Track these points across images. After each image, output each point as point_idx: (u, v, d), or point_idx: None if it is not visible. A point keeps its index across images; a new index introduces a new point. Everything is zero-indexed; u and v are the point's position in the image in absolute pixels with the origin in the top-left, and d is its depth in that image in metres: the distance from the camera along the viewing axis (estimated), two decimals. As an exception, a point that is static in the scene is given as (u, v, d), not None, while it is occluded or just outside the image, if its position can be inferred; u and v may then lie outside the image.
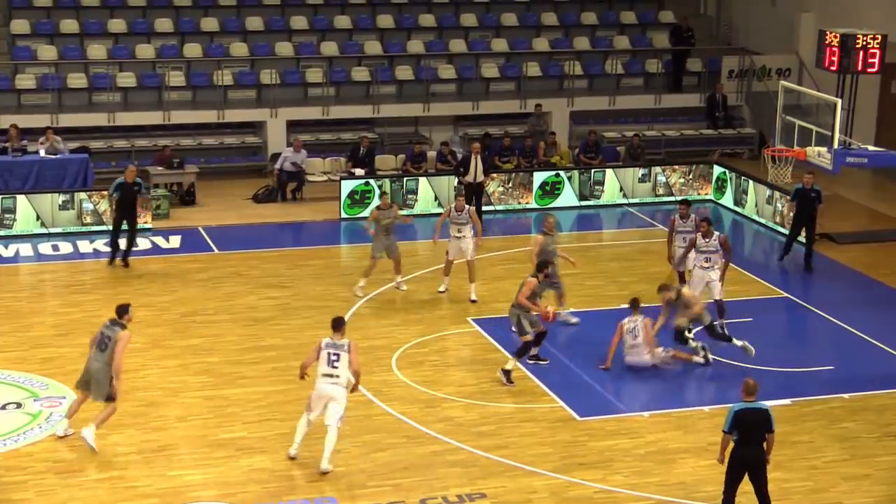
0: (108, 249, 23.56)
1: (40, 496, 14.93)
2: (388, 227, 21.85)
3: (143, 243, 24.67)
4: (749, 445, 13.91)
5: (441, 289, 21.85)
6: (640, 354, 18.54)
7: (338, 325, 15.78)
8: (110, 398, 15.91)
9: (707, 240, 19.89)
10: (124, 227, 23.19)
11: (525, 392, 18.12)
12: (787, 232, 24.72)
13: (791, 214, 24.05)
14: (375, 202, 22.43)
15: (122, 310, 16.14)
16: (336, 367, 15.53)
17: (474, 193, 26.27)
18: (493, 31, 33.28)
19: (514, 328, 18.69)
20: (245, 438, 16.49)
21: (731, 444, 13.97)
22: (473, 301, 21.49)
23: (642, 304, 19.01)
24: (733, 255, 21.18)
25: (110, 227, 23.49)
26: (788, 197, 24.21)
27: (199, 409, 17.33)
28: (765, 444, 13.96)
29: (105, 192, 25.01)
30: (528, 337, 18.39)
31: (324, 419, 15.57)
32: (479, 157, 26.15)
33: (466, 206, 21.84)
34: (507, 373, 18.29)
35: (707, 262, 19.82)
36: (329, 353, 15.57)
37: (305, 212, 27.25)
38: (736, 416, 13.86)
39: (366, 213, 25.94)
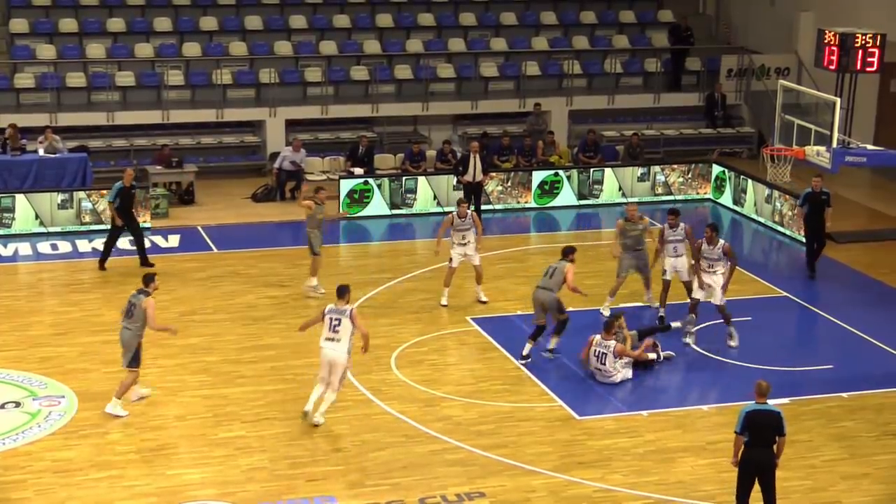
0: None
1: (39, 495, 14.93)
2: (321, 222, 21.78)
3: (158, 242, 24.66)
4: (758, 447, 13.87)
5: (444, 302, 21.43)
6: (606, 376, 18.34)
7: (342, 292, 16.65)
8: (133, 363, 16.78)
9: (711, 247, 19.83)
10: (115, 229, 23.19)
11: (524, 391, 18.12)
12: (787, 232, 24.71)
13: (801, 220, 23.89)
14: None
15: (149, 278, 17.03)
16: (337, 332, 16.45)
17: (473, 193, 26.29)
18: (492, 30, 33.28)
19: (547, 312, 19.05)
20: (244, 437, 16.48)
21: (742, 447, 13.95)
22: (483, 302, 21.47)
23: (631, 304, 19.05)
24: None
25: (110, 230, 23.35)
26: (797, 202, 24.08)
27: (197, 408, 17.33)
28: (775, 448, 13.94)
29: (104, 192, 25.00)
30: (566, 316, 19.00)
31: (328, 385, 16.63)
32: (477, 156, 26.16)
33: (469, 212, 21.64)
34: (551, 351, 19.02)
35: (710, 267, 19.78)
36: (331, 319, 16.50)
37: (304, 211, 27.18)
38: (747, 418, 13.83)
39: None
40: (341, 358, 16.51)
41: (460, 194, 26.66)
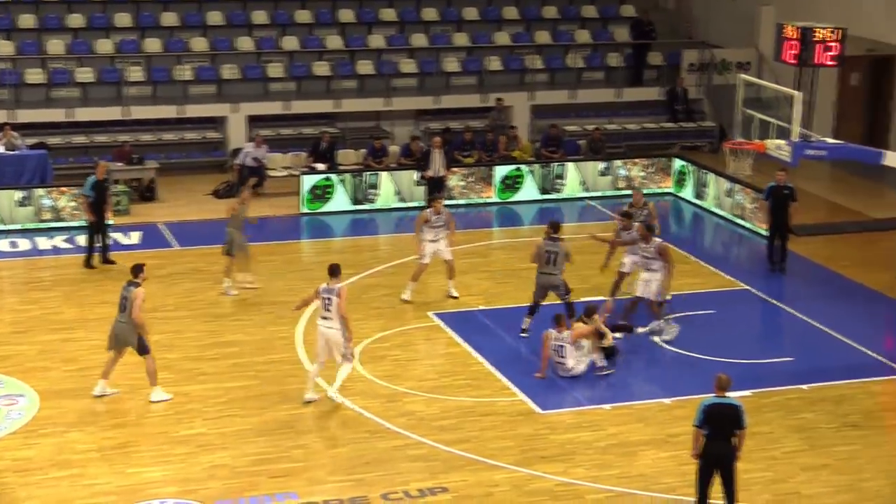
0: (70, 246, 23.35)
1: (-2, 495, 14.85)
2: (243, 223, 21.73)
3: (117, 238, 24.53)
4: (718, 440, 13.92)
5: (406, 297, 21.38)
6: (566, 369, 18.33)
7: (334, 271, 17.26)
8: (143, 350, 17.03)
9: (646, 244, 19.97)
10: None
11: (486, 386, 18.14)
12: (748, 225, 24.81)
13: (763, 214, 24.05)
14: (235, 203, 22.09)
15: (137, 269, 17.29)
16: (329, 311, 17.02)
17: (436, 188, 26.29)
18: (454, 25, 33.26)
19: (558, 292, 19.63)
20: (205, 435, 16.42)
21: (702, 440, 14.01)
22: (454, 297, 21.48)
23: (599, 297, 19.08)
24: (673, 260, 21.21)
25: (86, 226, 23.17)
26: (760, 195, 24.26)
27: (159, 406, 17.25)
28: (735, 440, 14.00)
29: (64, 189, 24.87)
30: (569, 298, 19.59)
31: (335, 359, 17.14)
32: (440, 151, 26.14)
33: (443, 209, 21.59)
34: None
35: (647, 266, 19.91)
36: (324, 298, 17.08)
37: (266, 207, 27.13)
38: (707, 411, 13.88)
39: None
40: (336, 335, 16.99)
41: (423, 190, 26.73)
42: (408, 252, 24.09)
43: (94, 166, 27.07)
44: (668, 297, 20.52)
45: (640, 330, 19.87)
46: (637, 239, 20.20)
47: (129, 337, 17.04)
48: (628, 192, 28.14)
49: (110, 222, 24.12)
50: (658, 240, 20.06)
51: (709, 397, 14.05)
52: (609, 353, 18.71)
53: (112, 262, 22.94)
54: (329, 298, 17.01)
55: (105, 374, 17.37)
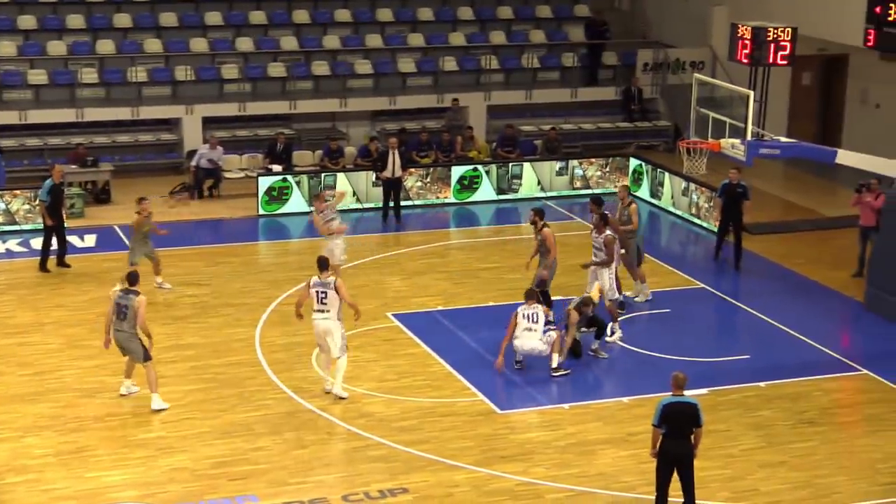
0: (24, 250, 23.17)
1: (-45, 501, 14.71)
2: (147, 233, 21.67)
3: (77, 242, 24.37)
4: (676, 439, 13.99)
5: None
6: (534, 340, 18.33)
7: (324, 264, 17.42)
8: (145, 357, 16.99)
9: (597, 235, 20.11)
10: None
11: (446, 386, 18.15)
12: (704, 224, 24.96)
13: (717, 211, 24.23)
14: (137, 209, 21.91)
15: (135, 278, 17.13)
16: (325, 304, 17.20)
17: (392, 189, 26.28)
18: (409, 25, 33.25)
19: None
20: (164, 438, 16.35)
21: (660, 439, 14.08)
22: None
23: (555, 298, 19.13)
24: (633, 253, 21.40)
25: (44, 230, 22.97)
26: (714, 193, 24.44)
27: (116, 409, 17.15)
28: (692, 438, 14.08)
29: (17, 192, 24.68)
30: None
31: (330, 353, 17.43)
32: (396, 152, 26.15)
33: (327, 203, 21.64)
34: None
35: (595, 256, 20.04)
36: (318, 292, 17.21)
37: (223, 209, 27.05)
38: (664, 410, 13.96)
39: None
40: (333, 325, 17.26)
41: (380, 190, 26.70)
42: (364, 253, 24.10)
43: (48, 169, 26.91)
44: (619, 296, 20.46)
45: (608, 339, 19.73)
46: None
47: (130, 344, 16.98)
48: (585, 191, 28.34)
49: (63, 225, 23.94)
50: (608, 232, 20.12)
51: (666, 396, 14.13)
52: (575, 349, 18.84)
53: (67, 266, 22.77)
54: (325, 292, 17.18)
55: (127, 373, 17.45)
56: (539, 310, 18.45)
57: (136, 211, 21.77)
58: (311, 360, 18.84)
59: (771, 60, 24.40)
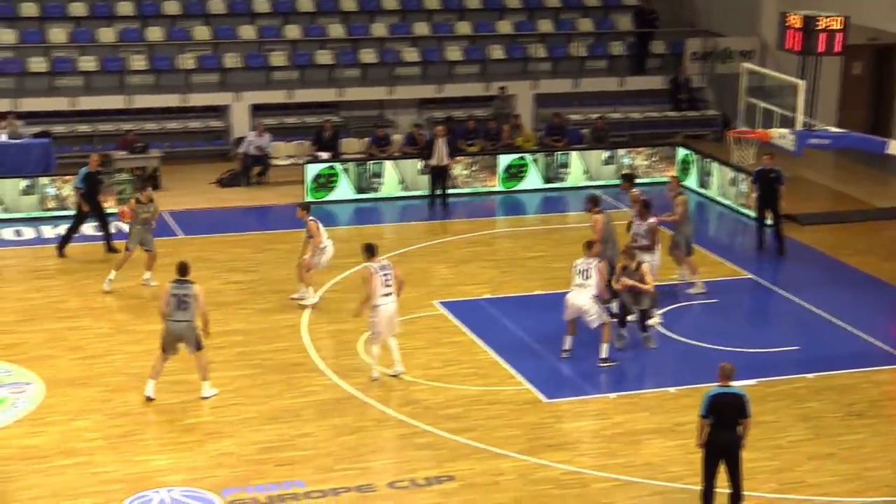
0: (74, 235, 23.27)
1: (6, 482, 14.85)
2: (147, 220, 21.44)
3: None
4: (724, 430, 13.90)
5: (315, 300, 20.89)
6: (583, 297, 18.10)
7: (374, 250, 17.70)
8: (199, 346, 16.95)
9: (640, 222, 20.07)
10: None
11: (492, 374, 18.16)
12: (752, 214, 24.82)
13: (754, 197, 24.16)
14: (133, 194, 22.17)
15: (185, 268, 17.09)
16: (390, 286, 17.52)
17: (439, 176, 26.28)
18: (456, 13, 33.22)
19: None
20: (212, 423, 16.45)
21: (707, 429, 14.01)
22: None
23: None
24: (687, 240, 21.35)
25: (75, 216, 23.19)
26: (751, 179, 24.36)
27: (165, 394, 17.26)
28: (740, 429, 14.00)
29: (68, 178, 24.85)
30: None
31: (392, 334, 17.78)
32: (443, 140, 26.14)
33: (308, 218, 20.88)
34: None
35: (634, 242, 20.00)
36: (384, 275, 17.48)
37: (270, 196, 27.17)
38: (712, 401, 13.87)
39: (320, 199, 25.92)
40: (396, 307, 17.71)
41: (426, 178, 26.71)
42: (412, 241, 24.15)
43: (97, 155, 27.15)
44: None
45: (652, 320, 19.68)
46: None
47: (191, 334, 16.89)
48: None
49: (112, 211, 24.09)
50: (652, 220, 20.07)
51: (713, 387, 14.05)
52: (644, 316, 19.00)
53: (116, 251, 22.92)
54: (387, 274, 17.45)
55: (155, 374, 17.06)
56: (593, 265, 18.11)
57: (133, 197, 21.71)
58: (356, 346, 18.89)
59: (821, 50, 24.25)
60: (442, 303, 20.85)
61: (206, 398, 17.07)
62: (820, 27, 24.51)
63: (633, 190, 21.46)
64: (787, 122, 20.23)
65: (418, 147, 27.92)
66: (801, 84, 20.10)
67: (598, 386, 17.91)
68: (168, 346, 16.98)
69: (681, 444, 15.96)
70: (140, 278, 21.47)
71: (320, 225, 20.74)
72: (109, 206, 24.72)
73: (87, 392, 17.29)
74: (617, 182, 28.04)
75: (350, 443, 16.01)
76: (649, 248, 19.98)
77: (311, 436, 16.18)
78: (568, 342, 18.54)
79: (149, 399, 16.91)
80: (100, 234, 23.25)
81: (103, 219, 23.23)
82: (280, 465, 15.40)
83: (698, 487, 14.30)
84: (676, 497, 14.86)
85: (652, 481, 15.21)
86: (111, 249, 22.99)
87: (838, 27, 24.69)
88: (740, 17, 33.11)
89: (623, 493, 14.97)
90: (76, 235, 23.20)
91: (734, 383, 14.08)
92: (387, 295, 17.43)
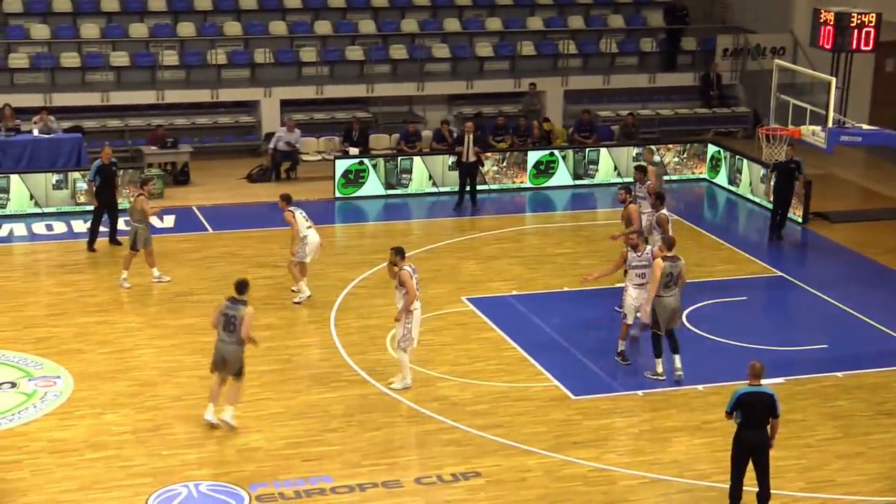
0: (104, 229, 23.28)
1: (35, 475, 14.95)
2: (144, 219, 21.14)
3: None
4: (752, 429, 13.86)
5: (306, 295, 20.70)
6: (634, 298, 18.00)
7: (404, 252, 17.18)
8: (240, 374, 16.05)
9: (653, 212, 20.21)
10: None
11: (519, 371, 18.15)
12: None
13: (771, 185, 24.21)
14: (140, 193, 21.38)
15: (243, 286, 16.11)
16: (419, 289, 17.16)
17: (468, 173, 26.26)
18: (487, 9, 33.20)
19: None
20: (239, 418, 16.46)
21: (735, 428, 13.94)
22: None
23: (619, 285, 18.96)
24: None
25: (94, 211, 23.18)
26: (770, 168, 24.37)
27: (193, 388, 17.32)
28: (769, 429, 13.95)
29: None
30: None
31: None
32: (470, 136, 26.09)
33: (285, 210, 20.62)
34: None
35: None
36: (416, 280, 17.07)
37: (300, 191, 27.15)
38: (739, 399, 13.81)
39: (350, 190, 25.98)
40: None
41: (456, 174, 26.68)
42: (441, 237, 24.16)
43: (127, 150, 27.33)
44: None
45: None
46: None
47: (235, 357, 15.87)
48: (663, 177, 28.11)
49: (126, 206, 23.99)
50: (664, 211, 20.05)
51: (742, 385, 14.00)
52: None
53: (119, 244, 22.91)
54: (417, 279, 17.17)
55: (213, 398, 16.20)
56: (647, 261, 17.64)
57: (138, 194, 21.41)
58: (385, 342, 18.92)
59: (854, 46, 24.06)
60: (470, 299, 20.84)
61: (226, 422, 16.10)
62: (853, 24, 24.34)
63: (648, 182, 21.49)
64: (819, 120, 20.13)
65: (447, 143, 27.92)
66: (833, 81, 19.98)
67: (625, 383, 17.86)
68: (216, 364, 16.08)
69: (708, 442, 15.91)
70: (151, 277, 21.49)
71: (297, 214, 20.34)
72: (122, 200, 24.62)
73: (115, 386, 17.37)
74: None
75: (377, 438, 16.03)
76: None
77: (338, 431, 16.21)
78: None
79: (210, 425, 16.08)
80: (107, 228, 23.16)
81: (114, 213, 23.25)
82: (307, 460, 15.43)
83: (725, 485, 14.26)
84: (703, 495, 14.81)
85: (679, 479, 15.16)
86: (115, 242, 23.04)
87: (871, 24, 24.53)
88: (772, 13, 32.98)
89: (650, 490, 14.94)
90: (102, 230, 23.21)
91: (763, 381, 14.02)
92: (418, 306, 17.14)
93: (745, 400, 13.83)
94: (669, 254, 17.51)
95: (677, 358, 17.68)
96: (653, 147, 26.65)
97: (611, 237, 21.08)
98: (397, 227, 25.19)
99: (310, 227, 20.52)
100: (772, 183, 24.43)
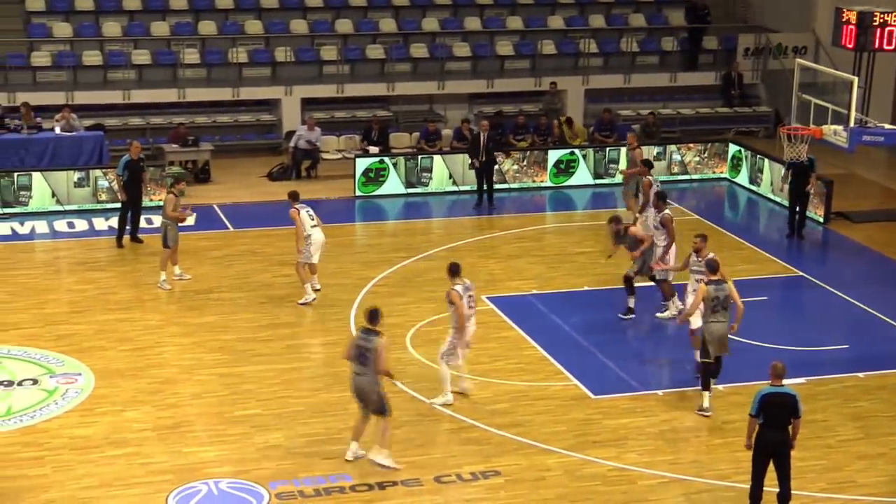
0: (126, 227, 23.41)
1: (57, 471, 15.01)
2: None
3: (157, 220, 24.65)
4: (774, 429, 13.80)
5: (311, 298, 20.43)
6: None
7: (458, 270, 16.78)
8: (382, 410, 15.06)
9: (656, 213, 19.95)
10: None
11: (539, 370, 18.14)
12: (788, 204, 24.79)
13: (785, 183, 24.21)
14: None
15: (374, 316, 15.04)
16: (473, 307, 16.93)
17: (484, 172, 26.14)
18: (508, 8, 33.18)
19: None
20: (260, 416, 16.53)
21: (757, 428, 13.92)
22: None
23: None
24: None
25: (120, 206, 23.37)
26: (783, 167, 24.34)
27: (213, 386, 17.38)
28: (790, 429, 13.88)
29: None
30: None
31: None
32: (485, 135, 25.99)
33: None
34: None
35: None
36: (469, 297, 16.72)
37: (320, 189, 27.26)
38: (763, 400, 13.75)
39: (384, 189, 26.06)
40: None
41: (474, 173, 26.62)
42: (461, 236, 24.16)
43: (148, 148, 27.41)
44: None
45: (660, 314, 19.90)
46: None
47: (371, 390, 14.97)
48: (682, 177, 28.13)
49: (149, 204, 24.04)
50: (667, 211, 19.91)
51: (765, 386, 13.94)
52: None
53: (140, 241, 23.04)
54: (471, 295, 16.73)
55: (356, 434, 15.39)
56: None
57: (172, 191, 21.21)
58: (405, 341, 18.93)
59: (877, 46, 23.99)
60: (490, 298, 20.84)
61: (377, 462, 15.16)
62: (875, 23, 24.25)
63: (648, 177, 21.50)
64: (841, 119, 20.07)
65: (467, 142, 27.90)
66: (855, 80, 19.92)
67: (645, 383, 17.83)
68: (357, 399, 15.18)
69: (728, 442, 15.87)
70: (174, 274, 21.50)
71: (301, 211, 20.10)
72: (160, 198, 24.75)
73: (136, 383, 17.43)
74: (666, 178, 28.04)
75: (397, 437, 15.99)
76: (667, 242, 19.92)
77: (358, 429, 16.23)
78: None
79: (348, 460, 15.28)
80: (129, 225, 23.23)
81: (138, 209, 23.29)
82: (327, 458, 15.45)
83: (745, 486, 14.23)
84: (723, 495, 14.78)
85: (699, 479, 15.13)
86: (135, 239, 23.10)
87: (893, 22, 24.43)
88: (794, 12, 32.87)
89: (669, 490, 14.91)
90: (128, 227, 23.32)
91: (784, 382, 13.97)
92: (472, 315, 16.81)
93: (769, 400, 13.78)
94: (714, 277, 16.64)
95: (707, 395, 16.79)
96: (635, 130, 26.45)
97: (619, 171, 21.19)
98: (417, 226, 25.20)
99: (315, 225, 20.33)
100: (787, 183, 24.34)
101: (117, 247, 23.09)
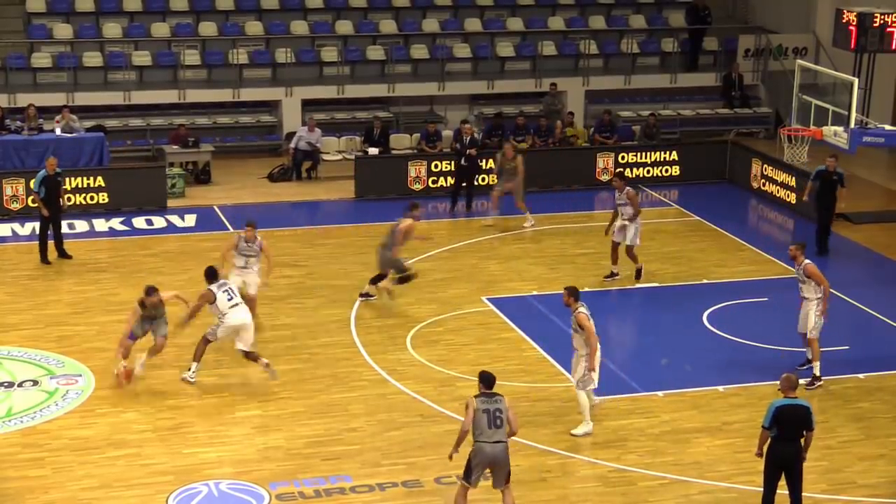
0: (127, 228, 23.33)
1: (57, 473, 15.01)
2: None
3: (158, 222, 24.75)
4: (786, 441, 13.66)
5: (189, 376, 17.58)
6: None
7: (578, 293, 16.34)
8: (509, 477, 13.79)
9: (619, 193, 21.12)
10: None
11: (539, 371, 18.13)
12: (812, 215, 24.69)
13: (806, 193, 23.94)
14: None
15: (492, 380, 13.90)
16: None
17: (465, 173, 25.95)
18: (508, 9, 33.18)
19: None
20: (260, 417, 16.53)
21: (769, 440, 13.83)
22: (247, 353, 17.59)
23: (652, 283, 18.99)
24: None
25: (40, 222, 22.55)
26: (810, 178, 24.11)
27: (213, 387, 17.37)
28: (802, 441, 13.77)
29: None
30: None
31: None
32: (468, 138, 25.87)
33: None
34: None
35: (622, 214, 21.11)
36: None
37: (320, 191, 27.27)
38: (776, 413, 13.57)
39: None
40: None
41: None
42: (461, 237, 24.15)
43: (149, 149, 27.40)
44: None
45: None
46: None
47: (507, 457, 13.72)
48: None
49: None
50: (629, 188, 21.16)
51: (779, 398, 13.79)
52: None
53: (69, 257, 22.56)
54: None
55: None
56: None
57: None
58: (404, 342, 18.93)
59: (877, 47, 24.01)
60: (490, 299, 20.84)
61: None
62: (876, 24, 24.27)
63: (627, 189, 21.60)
64: (841, 120, 20.07)
65: (460, 146, 27.77)
66: (856, 81, 19.93)
67: (646, 384, 17.82)
68: (477, 471, 13.72)
69: (729, 444, 15.87)
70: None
71: (218, 292, 17.40)
72: (163, 205, 24.60)
73: (136, 385, 17.42)
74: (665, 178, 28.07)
75: (397, 438, 16.04)
76: (634, 217, 20.99)
77: (358, 430, 16.23)
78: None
79: None
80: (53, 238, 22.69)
81: (58, 224, 22.63)
82: (327, 459, 15.46)
83: (746, 487, 14.25)
84: (724, 496, 14.77)
85: (699, 480, 15.13)
86: (63, 254, 22.53)
87: (894, 24, 24.44)
88: (794, 13, 32.87)
89: (670, 491, 14.91)
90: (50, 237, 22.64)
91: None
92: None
93: (783, 413, 13.57)
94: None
95: None
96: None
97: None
98: (418, 227, 25.13)
99: (234, 305, 17.38)
100: (811, 195, 23.82)
101: (41, 262, 22.37)
